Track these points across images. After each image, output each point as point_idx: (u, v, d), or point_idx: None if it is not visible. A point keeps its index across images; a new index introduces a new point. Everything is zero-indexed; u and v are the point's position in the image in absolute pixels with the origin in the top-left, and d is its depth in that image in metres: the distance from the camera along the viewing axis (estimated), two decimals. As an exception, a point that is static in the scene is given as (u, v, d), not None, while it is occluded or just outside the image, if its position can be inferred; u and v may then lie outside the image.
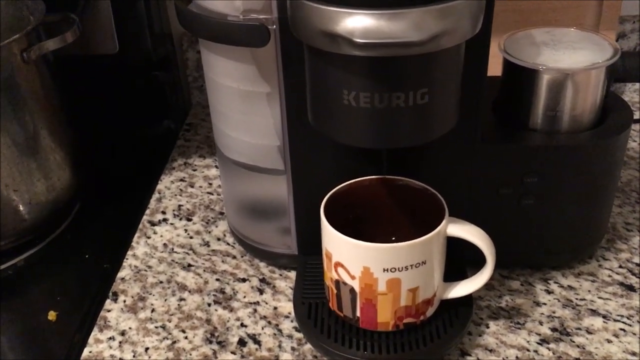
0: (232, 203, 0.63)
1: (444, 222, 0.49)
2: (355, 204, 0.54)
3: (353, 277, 0.49)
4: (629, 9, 0.86)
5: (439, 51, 0.39)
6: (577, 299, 0.58)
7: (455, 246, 0.51)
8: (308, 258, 0.59)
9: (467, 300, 0.54)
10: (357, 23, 0.37)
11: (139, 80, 0.82)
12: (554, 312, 0.56)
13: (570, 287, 0.59)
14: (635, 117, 0.74)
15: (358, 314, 0.51)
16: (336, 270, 0.50)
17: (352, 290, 0.50)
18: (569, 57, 0.54)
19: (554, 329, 0.55)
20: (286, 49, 0.49)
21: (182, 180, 0.77)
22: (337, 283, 0.51)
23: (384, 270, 0.48)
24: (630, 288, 0.58)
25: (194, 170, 0.79)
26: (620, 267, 0.61)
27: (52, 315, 0.58)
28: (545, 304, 0.57)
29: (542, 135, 0.55)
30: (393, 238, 0.55)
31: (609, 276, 0.60)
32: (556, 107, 0.54)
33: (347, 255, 0.49)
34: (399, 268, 0.48)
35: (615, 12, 0.79)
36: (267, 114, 0.53)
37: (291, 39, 0.46)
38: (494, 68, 0.54)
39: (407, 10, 0.37)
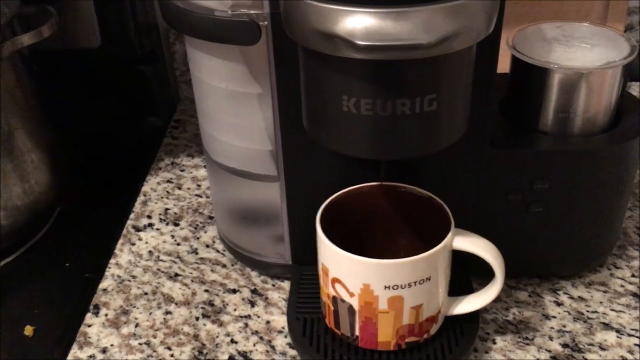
0: (222, 209, 0.59)
1: (449, 234, 0.46)
2: (354, 213, 0.51)
3: (352, 295, 0.46)
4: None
5: (449, 53, 0.35)
6: (588, 311, 0.54)
7: (459, 254, 0.47)
8: (303, 268, 0.56)
9: (473, 315, 0.50)
10: (358, 23, 0.33)
11: (123, 75, 0.77)
12: (564, 326, 0.53)
13: (581, 299, 0.55)
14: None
15: (357, 332, 0.48)
16: (333, 287, 0.47)
17: (350, 308, 0.47)
18: (582, 54, 0.50)
19: (564, 345, 0.51)
20: (279, 47, 0.45)
21: (169, 181, 0.73)
22: (335, 300, 0.47)
23: (386, 287, 0.45)
24: (644, 299, 0.55)
25: (182, 170, 0.74)
26: (633, 275, 0.57)
27: (28, 330, 0.54)
28: (554, 317, 0.54)
29: (553, 138, 0.51)
30: (394, 251, 0.51)
31: (622, 286, 0.56)
32: (568, 108, 0.50)
33: (345, 271, 0.45)
34: (401, 285, 0.45)
35: (623, 3, 0.75)
36: (258, 117, 0.49)
37: (284, 36, 0.42)
38: (500, 64, 0.50)
39: (415, 8, 0.33)
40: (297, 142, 0.49)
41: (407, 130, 0.38)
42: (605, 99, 0.50)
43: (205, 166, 0.74)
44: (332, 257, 0.46)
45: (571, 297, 0.56)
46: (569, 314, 0.54)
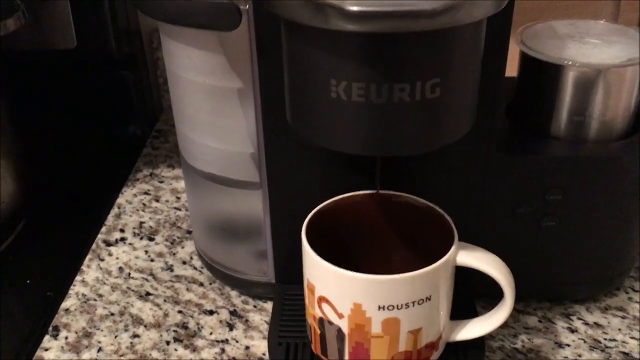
0: (200, 222, 0.54)
1: (453, 248, 0.40)
2: (344, 225, 0.45)
3: (341, 316, 0.40)
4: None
5: (456, 29, 0.30)
6: (605, 339, 0.49)
7: (462, 272, 0.42)
8: (287, 287, 0.50)
9: (478, 341, 0.45)
10: (350, -16, 0.28)
11: (100, 80, 0.72)
12: (580, 356, 0.47)
13: (597, 325, 0.50)
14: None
15: (347, 359, 0.42)
16: (320, 307, 0.41)
17: (339, 331, 0.41)
18: (599, 51, 0.46)
19: (581, 377, 0.46)
20: (261, 34, 0.40)
21: (146, 193, 0.67)
22: (322, 322, 0.42)
23: (380, 308, 0.39)
24: (668, 326, 0.49)
25: (161, 182, 0.69)
26: (653, 300, 0.52)
27: (-22, 355, 0.48)
28: (568, 345, 0.48)
29: (567, 144, 0.47)
30: (389, 267, 0.46)
31: (641, 311, 0.51)
32: (584, 111, 0.45)
33: (333, 289, 0.40)
34: (397, 306, 0.39)
35: (635, 4, 0.71)
36: (238, 115, 0.44)
37: (268, 21, 0.37)
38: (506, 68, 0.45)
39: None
40: (282, 144, 0.44)
41: (406, 121, 0.33)
42: (625, 101, 0.46)
43: (186, 178, 0.69)
44: (319, 272, 0.40)
45: (586, 323, 0.50)
46: (585, 342, 0.48)
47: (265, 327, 0.50)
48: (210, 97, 0.44)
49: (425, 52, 0.31)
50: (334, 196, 0.45)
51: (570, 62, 0.44)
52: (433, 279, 0.39)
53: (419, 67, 0.31)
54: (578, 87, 0.45)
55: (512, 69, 0.48)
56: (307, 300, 0.43)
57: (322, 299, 0.41)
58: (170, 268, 0.57)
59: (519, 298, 0.50)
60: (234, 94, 0.43)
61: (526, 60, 0.47)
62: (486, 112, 0.42)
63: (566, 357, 0.47)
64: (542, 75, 0.46)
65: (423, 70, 0.31)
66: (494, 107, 0.42)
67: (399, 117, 0.32)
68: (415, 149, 0.34)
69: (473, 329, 0.43)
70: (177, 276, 0.56)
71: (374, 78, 0.31)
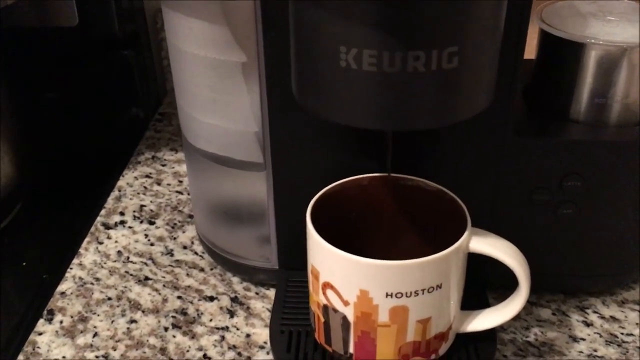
0: (201, 205, 0.52)
1: (465, 234, 0.38)
2: (351, 209, 0.43)
3: (346, 303, 0.38)
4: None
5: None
6: (623, 334, 0.46)
7: (473, 261, 0.40)
8: (291, 274, 0.48)
9: (490, 333, 0.43)
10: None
11: (103, 60, 0.70)
12: (595, 350, 0.45)
13: (614, 319, 0.48)
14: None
15: (351, 349, 0.40)
16: (325, 293, 0.39)
17: (344, 319, 0.39)
18: (623, 29, 0.43)
19: (597, 373, 0.44)
20: (267, 2, 0.37)
21: (147, 176, 0.65)
22: (326, 309, 0.40)
23: (387, 295, 0.37)
24: (688, 322, 0.47)
25: (163, 165, 0.67)
26: (673, 294, 0.50)
27: (-30, 338, 0.47)
28: (583, 339, 0.46)
29: (587, 128, 0.44)
30: (398, 253, 0.44)
31: (661, 306, 0.49)
32: (606, 93, 0.43)
33: (339, 275, 0.38)
34: (406, 293, 0.37)
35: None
36: (242, 91, 0.42)
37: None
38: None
39: None
40: (288, 122, 0.42)
41: (420, 93, 0.30)
42: (650, 83, 0.43)
43: (189, 161, 0.67)
44: (324, 257, 0.38)
45: (602, 317, 0.48)
46: (600, 336, 0.46)
47: (267, 315, 0.48)
48: (212, 72, 0.42)
49: (443, 17, 0.29)
50: (341, 178, 0.43)
51: (592, 40, 0.42)
52: (444, 265, 0.37)
53: (435, 33, 0.29)
54: (601, 67, 0.42)
55: (529, 52, 0.46)
56: (311, 287, 0.41)
57: (326, 285, 0.39)
58: (170, 252, 0.55)
59: (531, 289, 0.48)
60: (238, 69, 0.41)
61: (546, 39, 0.45)
62: (503, 93, 0.40)
63: (581, 352, 0.45)
64: (563, 54, 0.44)
65: (440, 37, 0.29)
66: (512, 88, 0.40)
67: (412, 88, 0.30)
68: (428, 123, 0.32)
69: (485, 320, 0.41)
70: (177, 261, 0.54)
71: (387, 45, 0.29)
